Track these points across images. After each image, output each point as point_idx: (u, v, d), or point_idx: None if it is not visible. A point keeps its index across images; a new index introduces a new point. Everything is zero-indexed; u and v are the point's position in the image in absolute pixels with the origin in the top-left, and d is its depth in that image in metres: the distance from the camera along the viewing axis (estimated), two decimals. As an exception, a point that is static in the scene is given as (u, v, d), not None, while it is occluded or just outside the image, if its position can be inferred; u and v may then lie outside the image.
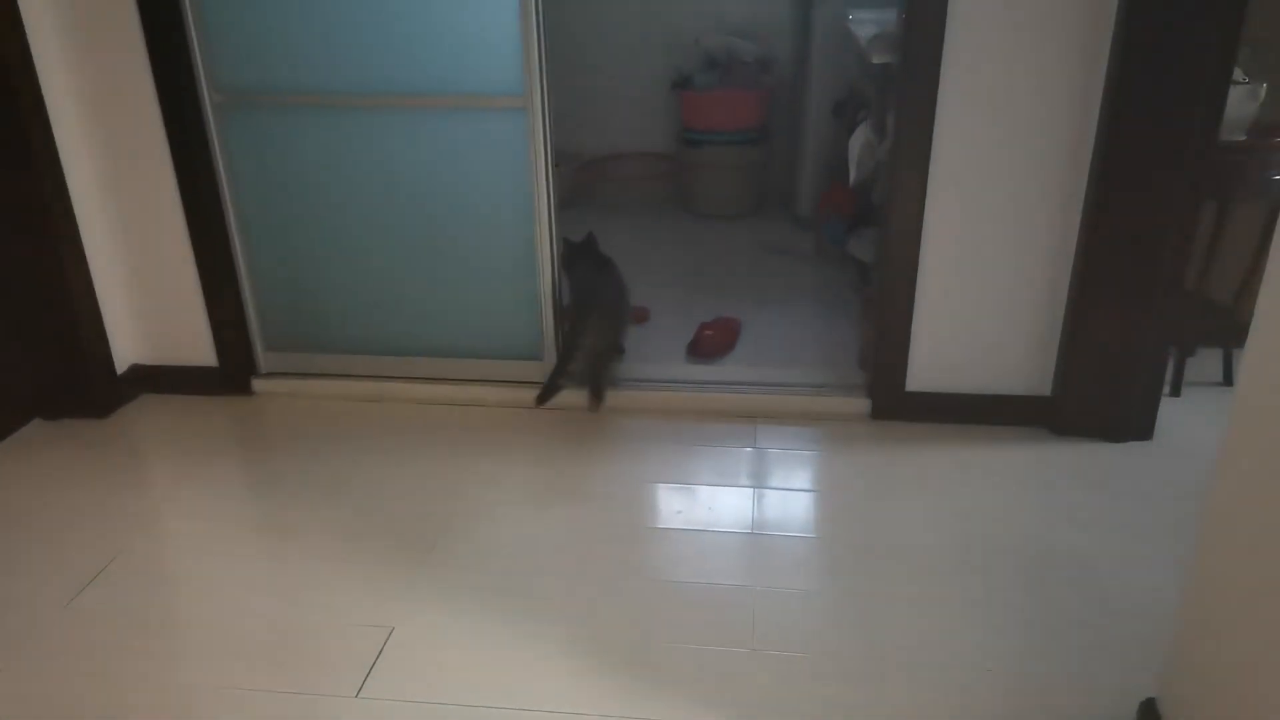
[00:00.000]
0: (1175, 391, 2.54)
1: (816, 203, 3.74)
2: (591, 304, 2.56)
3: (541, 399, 2.49)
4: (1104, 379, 2.31)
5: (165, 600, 1.92)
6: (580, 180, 4.19)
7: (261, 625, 1.84)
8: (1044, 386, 2.39)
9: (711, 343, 2.85)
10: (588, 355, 2.46)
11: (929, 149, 2.20)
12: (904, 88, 2.18)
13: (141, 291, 2.60)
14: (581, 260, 2.68)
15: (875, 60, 2.47)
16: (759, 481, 2.28)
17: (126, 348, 2.63)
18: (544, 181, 2.41)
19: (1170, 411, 2.41)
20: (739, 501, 2.19)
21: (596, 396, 2.50)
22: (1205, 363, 2.69)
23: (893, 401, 2.47)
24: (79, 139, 2.40)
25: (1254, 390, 1.24)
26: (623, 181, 4.27)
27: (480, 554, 2.02)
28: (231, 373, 2.66)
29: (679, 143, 4.12)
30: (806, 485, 2.29)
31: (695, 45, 4.08)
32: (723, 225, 4.04)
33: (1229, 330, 2.61)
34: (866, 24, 2.84)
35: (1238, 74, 2.27)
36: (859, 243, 3.08)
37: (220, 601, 1.90)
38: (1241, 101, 2.33)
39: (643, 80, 4.21)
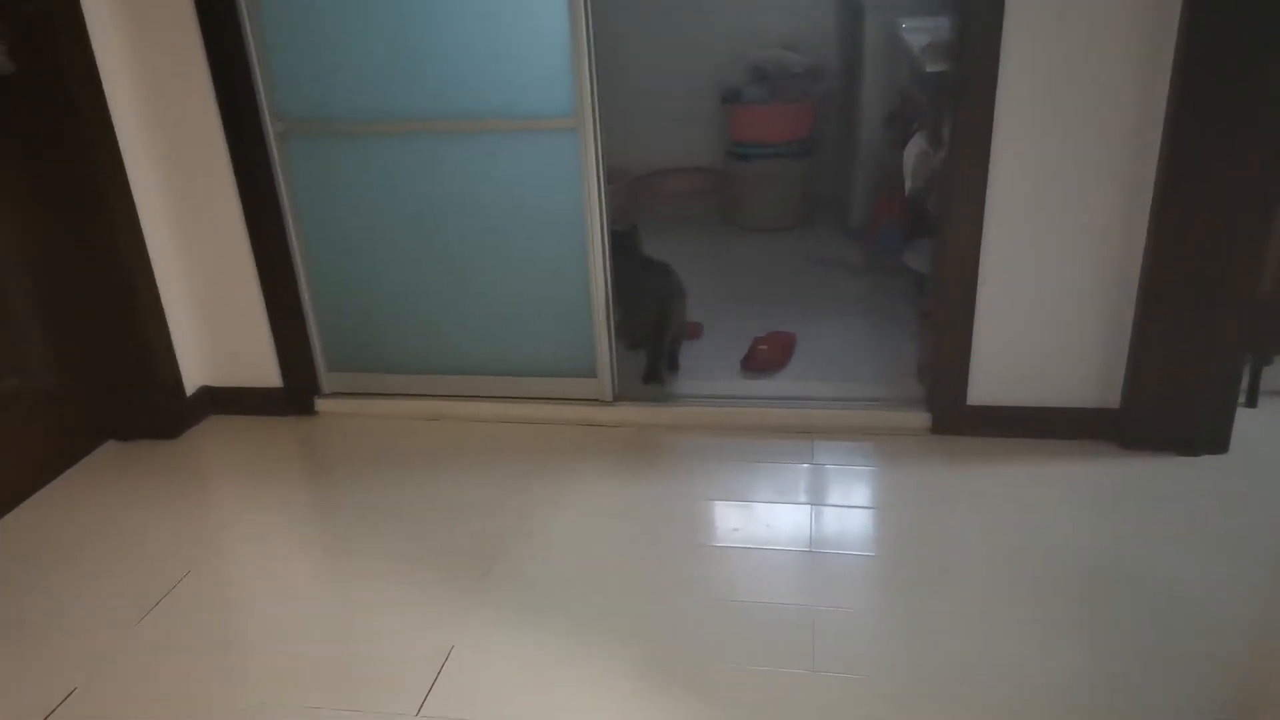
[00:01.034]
0: (1251, 402, 2.44)
1: (869, 214, 3.70)
2: (669, 294, 2.77)
3: (648, 380, 2.70)
4: (1175, 390, 2.24)
5: (230, 620, 1.96)
6: (630, 197, 4.20)
7: (324, 645, 1.87)
8: (1112, 398, 2.32)
9: (765, 357, 2.83)
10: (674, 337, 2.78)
11: (987, 157, 2.16)
12: (960, 95, 2.15)
13: (209, 315, 2.68)
14: (627, 254, 2.73)
15: (929, 69, 2.44)
16: (817, 498, 2.25)
17: (195, 370, 2.71)
18: (596, 201, 2.42)
19: (1246, 423, 2.32)
20: (797, 518, 2.17)
21: (657, 373, 2.72)
22: (1283, 371, 2.58)
23: (953, 415, 2.42)
24: (147, 169, 2.49)
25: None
26: (672, 197, 4.27)
27: (538, 572, 2.03)
28: (295, 393, 2.72)
29: (728, 156, 4.12)
30: (865, 502, 2.26)
31: (743, 58, 4.08)
32: (773, 239, 4.02)
33: (1308, 337, 2.51)
34: (919, 32, 2.81)
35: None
36: (915, 253, 3.03)
37: (284, 621, 1.94)
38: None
39: (691, 95, 4.21)
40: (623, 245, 2.69)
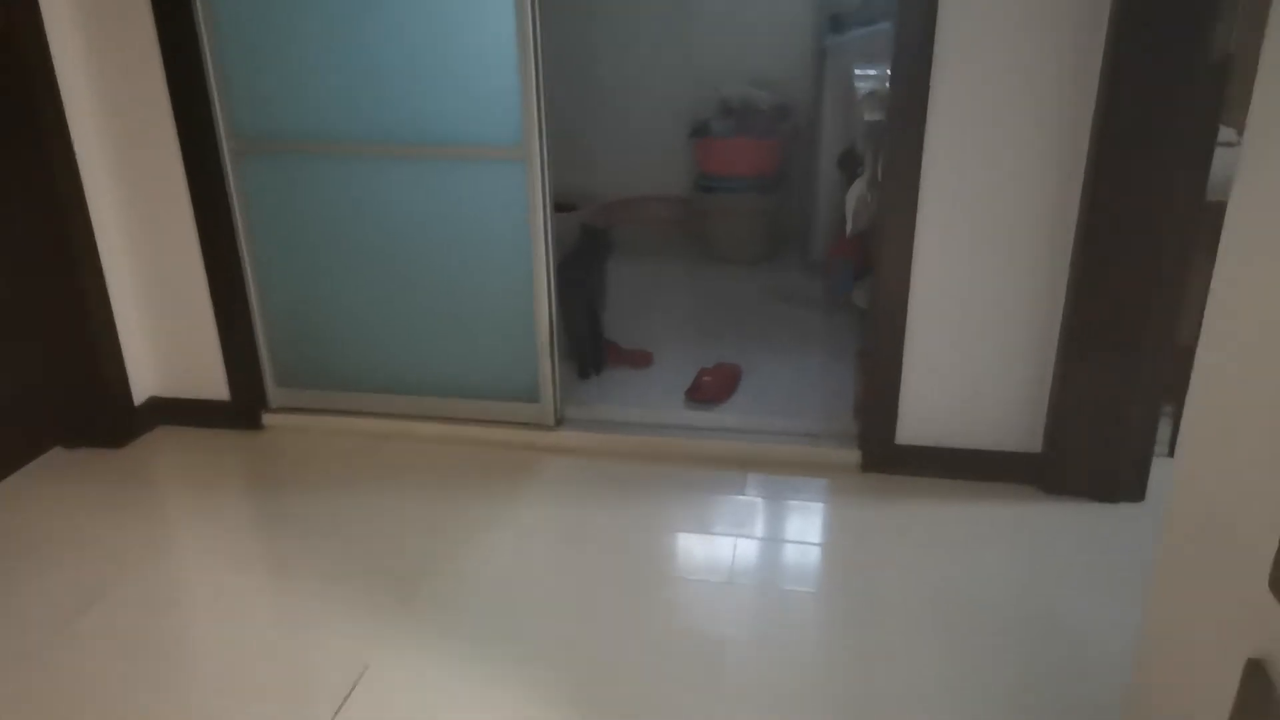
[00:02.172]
0: (1171, 451, 2.50)
1: (826, 250, 3.77)
2: (600, 302, 3.07)
3: (585, 375, 3.01)
4: (1094, 437, 2.30)
5: (152, 629, 1.98)
6: (598, 222, 4.27)
7: (242, 658, 1.89)
8: (1034, 443, 2.38)
9: (709, 388, 2.88)
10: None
11: (915, 204, 2.23)
12: (891, 146, 2.22)
13: (160, 327, 2.72)
14: (593, 246, 3.08)
15: (867, 117, 2.52)
16: (744, 531, 2.29)
17: (144, 380, 2.75)
18: (542, 229, 2.48)
19: (1165, 472, 2.37)
20: (722, 551, 2.21)
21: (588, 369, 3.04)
22: (1208, 422, 2.64)
23: (883, 454, 2.47)
24: (104, 183, 2.54)
25: (1191, 457, 1.25)
26: (640, 225, 4.34)
27: (463, 594, 2.06)
28: (243, 407, 2.75)
29: (696, 188, 4.19)
30: (792, 536, 2.30)
31: (714, 94, 4.17)
32: (737, 270, 4.08)
33: (1231, 390, 2.57)
34: (869, 79, 2.89)
35: (1232, 135, 2.26)
36: (863, 292, 3.09)
37: (206, 633, 1.97)
38: (1231, 163, 2.32)
39: (662, 126, 4.29)
40: (593, 242, 3.03)
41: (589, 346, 3.01)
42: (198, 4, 2.37)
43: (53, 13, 2.34)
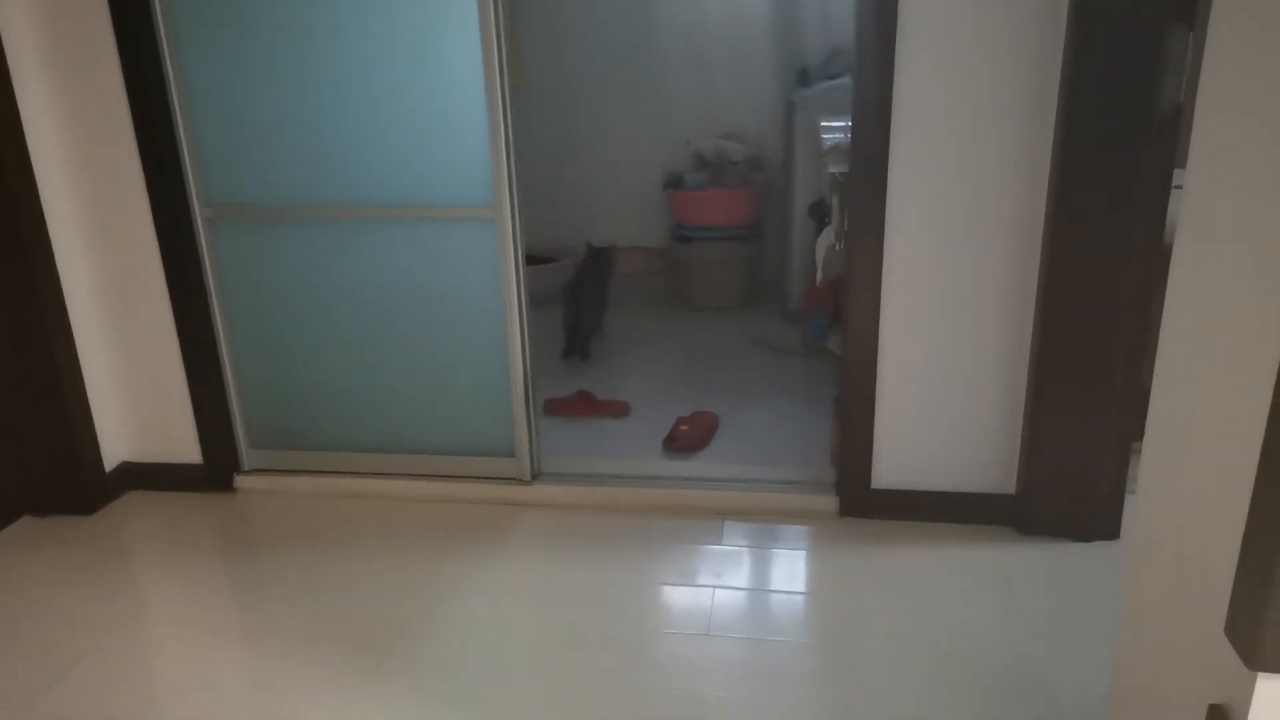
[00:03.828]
0: (1146, 490, 2.51)
1: (802, 298, 3.80)
2: (581, 300, 3.65)
3: (567, 356, 3.61)
4: (1067, 477, 2.30)
5: (121, 705, 1.94)
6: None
7: (211, 727, 1.86)
8: (1009, 484, 2.39)
9: (687, 437, 2.88)
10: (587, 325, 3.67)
11: (881, 253, 2.26)
12: (855, 197, 2.26)
13: (132, 391, 2.70)
14: (585, 275, 3.72)
15: (831, 169, 2.57)
16: (722, 581, 2.27)
17: (116, 446, 2.73)
18: (514, 286, 2.50)
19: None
20: (701, 603, 2.19)
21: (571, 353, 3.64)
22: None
23: (859, 499, 2.47)
24: (77, 249, 2.55)
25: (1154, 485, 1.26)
26: (621, 276, 4.37)
27: (441, 659, 2.03)
28: (215, 470, 2.73)
29: (672, 239, 4.24)
30: (771, 586, 2.29)
31: (687, 147, 4.24)
32: (715, 319, 4.11)
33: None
34: (835, 131, 2.94)
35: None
36: (838, 339, 3.12)
37: (177, 706, 1.93)
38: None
39: (637, 179, 4.36)
40: (595, 257, 3.67)
41: (574, 335, 3.61)
42: (170, 74, 2.40)
43: (25, 83, 2.36)
